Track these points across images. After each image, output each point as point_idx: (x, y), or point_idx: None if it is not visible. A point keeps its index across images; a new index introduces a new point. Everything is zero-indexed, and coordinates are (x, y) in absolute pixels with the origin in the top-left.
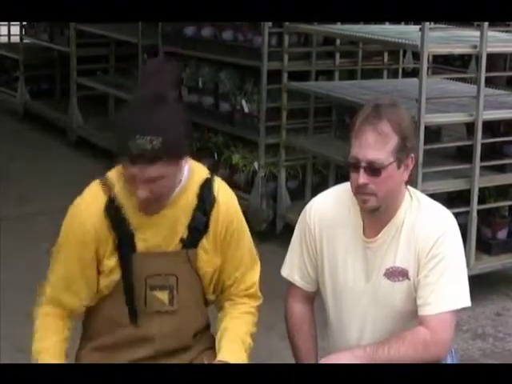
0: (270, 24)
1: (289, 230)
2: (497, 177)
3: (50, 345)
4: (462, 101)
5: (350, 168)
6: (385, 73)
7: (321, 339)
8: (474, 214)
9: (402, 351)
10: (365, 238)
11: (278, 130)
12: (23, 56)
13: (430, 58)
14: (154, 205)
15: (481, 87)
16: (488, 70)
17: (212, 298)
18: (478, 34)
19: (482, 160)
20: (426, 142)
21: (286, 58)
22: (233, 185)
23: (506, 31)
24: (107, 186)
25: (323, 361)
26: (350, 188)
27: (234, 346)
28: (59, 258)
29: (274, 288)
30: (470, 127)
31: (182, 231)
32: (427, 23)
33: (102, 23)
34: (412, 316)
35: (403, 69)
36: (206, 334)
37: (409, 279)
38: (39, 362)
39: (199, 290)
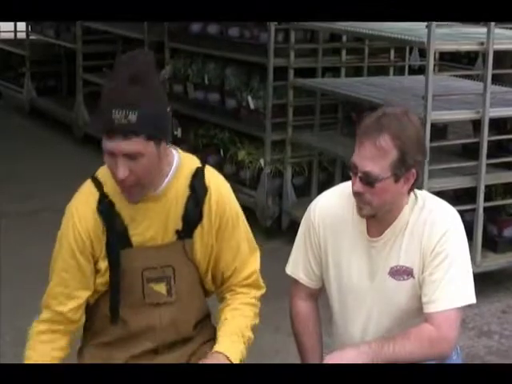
0: None
1: (294, 226)
2: (503, 174)
3: (41, 350)
4: (468, 98)
5: (350, 171)
6: (391, 70)
7: (326, 336)
8: (481, 211)
9: (407, 348)
10: (369, 237)
11: (284, 127)
12: (29, 52)
13: (437, 55)
14: (136, 190)
15: (487, 84)
16: (495, 67)
17: (211, 289)
18: (484, 30)
19: (488, 157)
20: (432, 140)
21: (292, 54)
22: (239, 181)
23: None
24: (99, 184)
25: (328, 357)
26: None
27: (232, 337)
28: (56, 265)
29: (280, 285)
30: (476, 124)
31: (176, 223)
32: None
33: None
34: (416, 314)
35: (409, 66)
36: (207, 325)
37: (413, 278)
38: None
39: (197, 280)
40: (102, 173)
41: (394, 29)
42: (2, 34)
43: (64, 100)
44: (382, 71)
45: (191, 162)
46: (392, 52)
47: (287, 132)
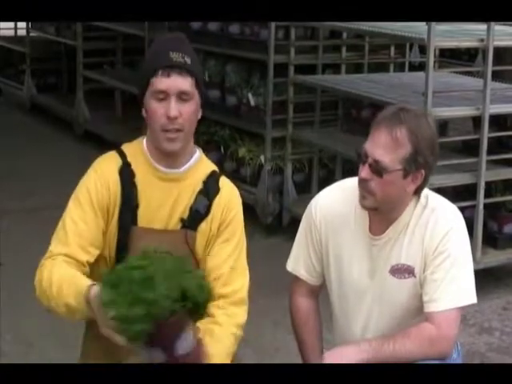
0: None
1: (295, 223)
2: (503, 171)
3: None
4: (468, 95)
5: (359, 159)
6: (391, 66)
7: (326, 332)
8: (481, 207)
9: (407, 346)
10: (371, 235)
11: (284, 124)
12: (30, 49)
13: (437, 52)
14: (179, 137)
15: (487, 81)
16: (495, 63)
17: None
18: (484, 27)
19: (488, 154)
20: None
21: (292, 51)
22: (239, 178)
23: None
24: (123, 154)
25: (328, 354)
26: (356, 183)
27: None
28: (73, 213)
29: (280, 281)
30: (476, 121)
31: (183, 211)
32: None
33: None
34: (417, 312)
35: (410, 62)
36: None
37: (414, 276)
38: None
39: None
40: (126, 148)
41: (394, 26)
42: (3, 31)
43: (64, 97)
44: (382, 68)
45: (210, 164)
46: (392, 49)
47: (287, 129)
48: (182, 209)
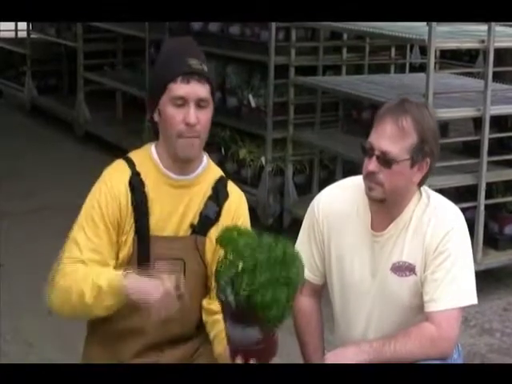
0: None
1: (296, 224)
2: (504, 172)
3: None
4: (469, 96)
5: (364, 153)
6: (392, 68)
7: (328, 333)
8: (482, 208)
9: (408, 347)
10: (373, 231)
11: (285, 125)
12: (30, 51)
13: (438, 53)
14: (196, 143)
15: (488, 82)
16: (495, 64)
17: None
18: (485, 28)
19: (489, 155)
20: None
21: (293, 52)
22: (240, 179)
23: None
24: (131, 163)
25: (329, 355)
26: (358, 182)
27: None
28: (86, 221)
29: None
30: (477, 122)
31: (193, 217)
32: None
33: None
34: (418, 311)
35: (410, 64)
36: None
37: (415, 274)
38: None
39: (204, 279)
40: (134, 156)
41: (395, 27)
42: (3, 32)
43: (65, 98)
44: (382, 69)
45: (217, 169)
46: (393, 50)
47: (288, 130)
48: (193, 215)
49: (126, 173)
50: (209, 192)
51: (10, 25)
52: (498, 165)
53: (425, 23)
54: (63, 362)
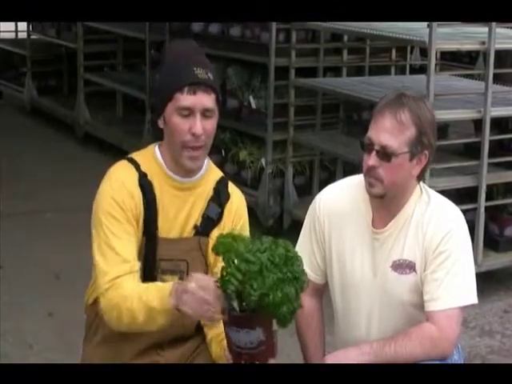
0: None
1: (296, 226)
2: (504, 173)
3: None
4: (469, 97)
5: (363, 149)
6: (392, 69)
7: (328, 334)
8: (482, 210)
9: (408, 347)
10: (373, 228)
11: (285, 127)
12: (30, 52)
13: (438, 55)
14: (201, 154)
15: (489, 84)
16: (496, 66)
17: None
18: (486, 30)
19: (489, 157)
20: None
21: (293, 54)
22: (240, 181)
23: None
24: (136, 164)
25: (330, 357)
26: (358, 180)
27: None
28: (109, 223)
29: None
30: (477, 124)
31: (197, 218)
32: None
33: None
34: (419, 309)
35: (411, 65)
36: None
37: (415, 272)
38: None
39: None
40: (137, 157)
41: (396, 28)
42: (3, 33)
43: (65, 99)
44: (383, 71)
45: (217, 170)
46: (393, 51)
47: (288, 132)
48: (196, 216)
49: (134, 172)
50: (211, 193)
51: (10, 25)
52: (498, 167)
53: (425, 25)
54: (63, 362)
